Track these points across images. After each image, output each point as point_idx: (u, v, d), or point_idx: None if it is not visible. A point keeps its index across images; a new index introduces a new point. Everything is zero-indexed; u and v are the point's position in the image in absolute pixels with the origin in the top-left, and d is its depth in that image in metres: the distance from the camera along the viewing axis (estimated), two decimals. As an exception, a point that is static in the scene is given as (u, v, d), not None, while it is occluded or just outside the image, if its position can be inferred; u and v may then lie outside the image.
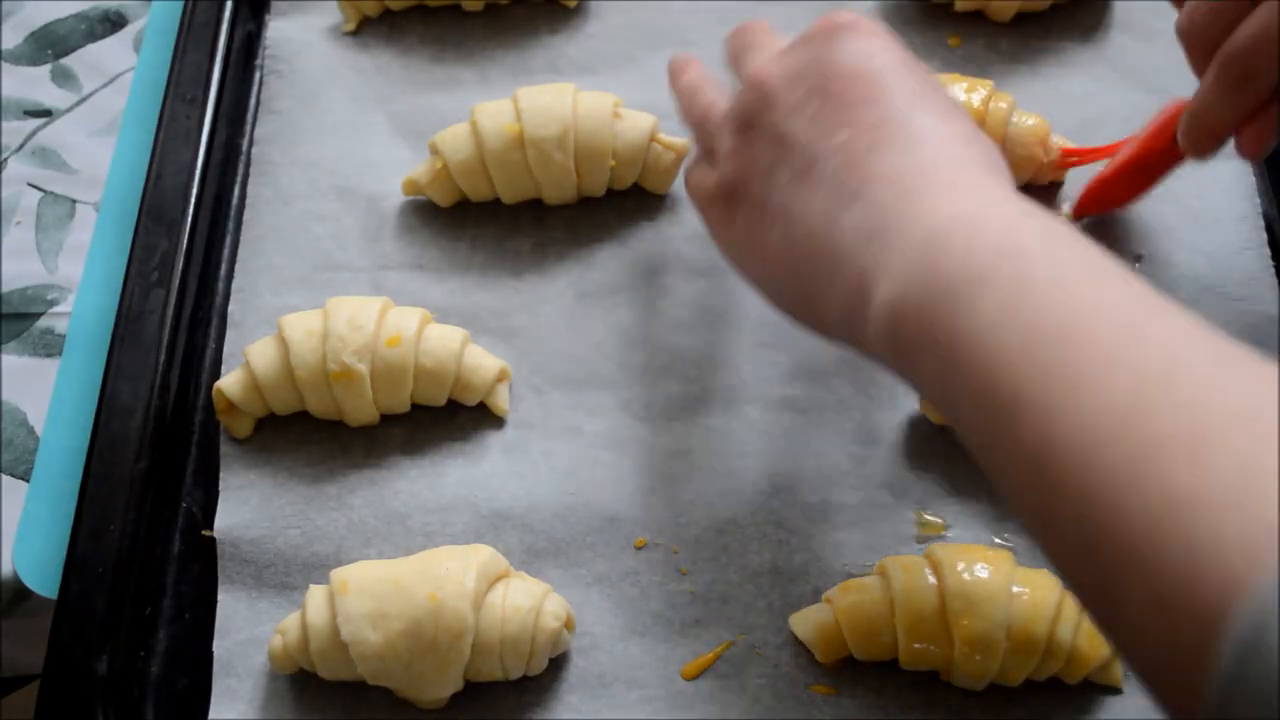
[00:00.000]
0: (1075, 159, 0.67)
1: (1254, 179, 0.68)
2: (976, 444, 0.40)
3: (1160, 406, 0.33)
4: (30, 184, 0.73)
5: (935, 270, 0.41)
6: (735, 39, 0.57)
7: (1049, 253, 0.40)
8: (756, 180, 0.50)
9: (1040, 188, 0.68)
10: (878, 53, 0.49)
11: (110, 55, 0.78)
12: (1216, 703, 0.29)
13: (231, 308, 0.65)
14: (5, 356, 0.67)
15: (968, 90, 0.66)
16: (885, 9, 0.75)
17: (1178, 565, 0.30)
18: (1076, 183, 0.67)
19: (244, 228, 0.68)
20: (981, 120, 0.65)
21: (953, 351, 0.39)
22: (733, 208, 0.52)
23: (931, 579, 0.54)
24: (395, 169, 0.69)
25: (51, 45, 0.79)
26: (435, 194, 0.67)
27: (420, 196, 0.68)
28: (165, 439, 0.61)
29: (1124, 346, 0.35)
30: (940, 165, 0.45)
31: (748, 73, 0.52)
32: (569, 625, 0.55)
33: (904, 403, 0.62)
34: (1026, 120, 0.66)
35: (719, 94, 0.56)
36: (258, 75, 0.74)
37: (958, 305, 0.39)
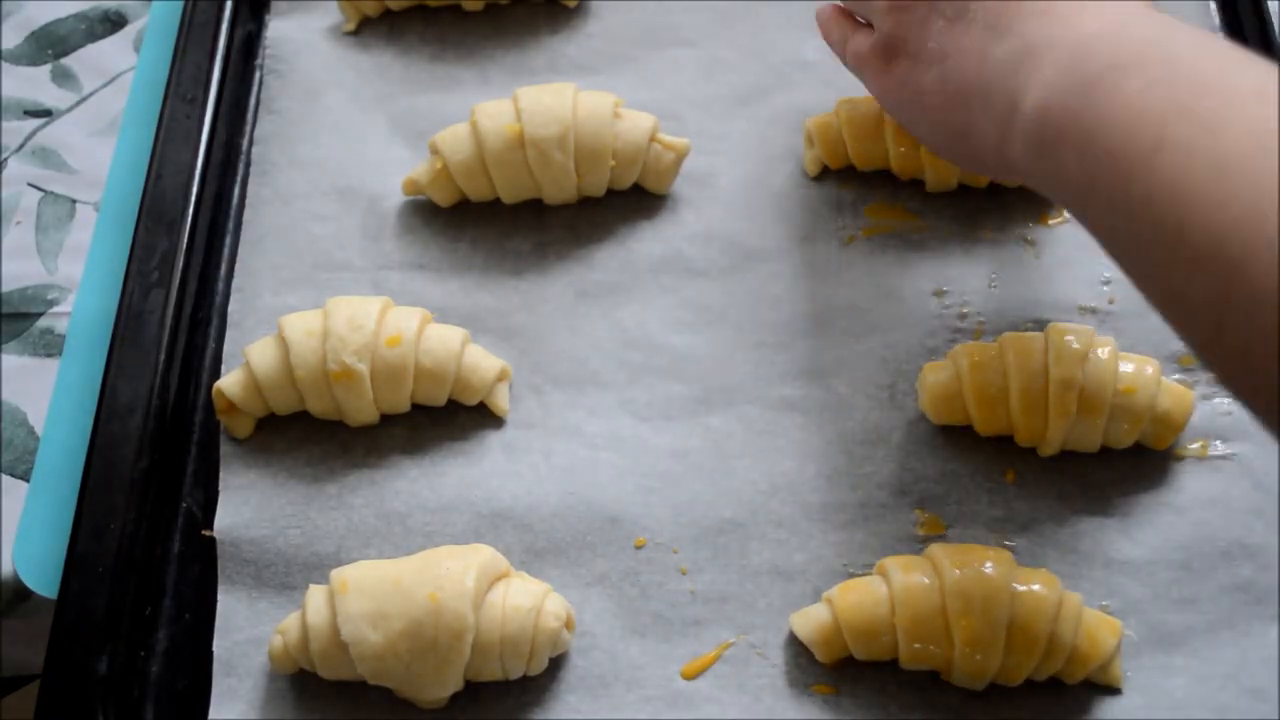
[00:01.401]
0: None
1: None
2: (1108, 235, 0.43)
3: None
4: (30, 184, 0.73)
5: (1084, 67, 0.44)
6: None
7: (1196, 44, 0.43)
8: (913, 30, 0.54)
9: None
10: None
11: (110, 55, 0.78)
12: None
13: (231, 308, 0.65)
14: (5, 356, 0.67)
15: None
16: (885, 9, 0.75)
17: None
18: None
19: (244, 228, 0.68)
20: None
21: (1095, 132, 0.42)
22: (891, 61, 0.56)
23: (931, 579, 0.54)
24: (395, 169, 0.69)
25: (51, 45, 0.79)
26: (435, 194, 0.67)
27: (420, 196, 0.68)
28: (165, 439, 0.61)
29: (1259, 103, 0.38)
30: None
31: None
32: (569, 625, 0.55)
33: (904, 402, 0.62)
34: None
35: None
36: (258, 75, 0.74)
37: (1103, 90, 0.43)
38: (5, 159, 0.74)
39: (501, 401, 0.62)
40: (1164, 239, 0.40)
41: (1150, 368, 0.59)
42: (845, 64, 0.61)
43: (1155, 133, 0.40)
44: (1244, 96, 0.39)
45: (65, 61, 0.78)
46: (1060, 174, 0.45)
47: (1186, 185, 0.39)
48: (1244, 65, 0.41)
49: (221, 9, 0.73)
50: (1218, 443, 0.60)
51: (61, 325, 0.68)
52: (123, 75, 0.77)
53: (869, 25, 0.59)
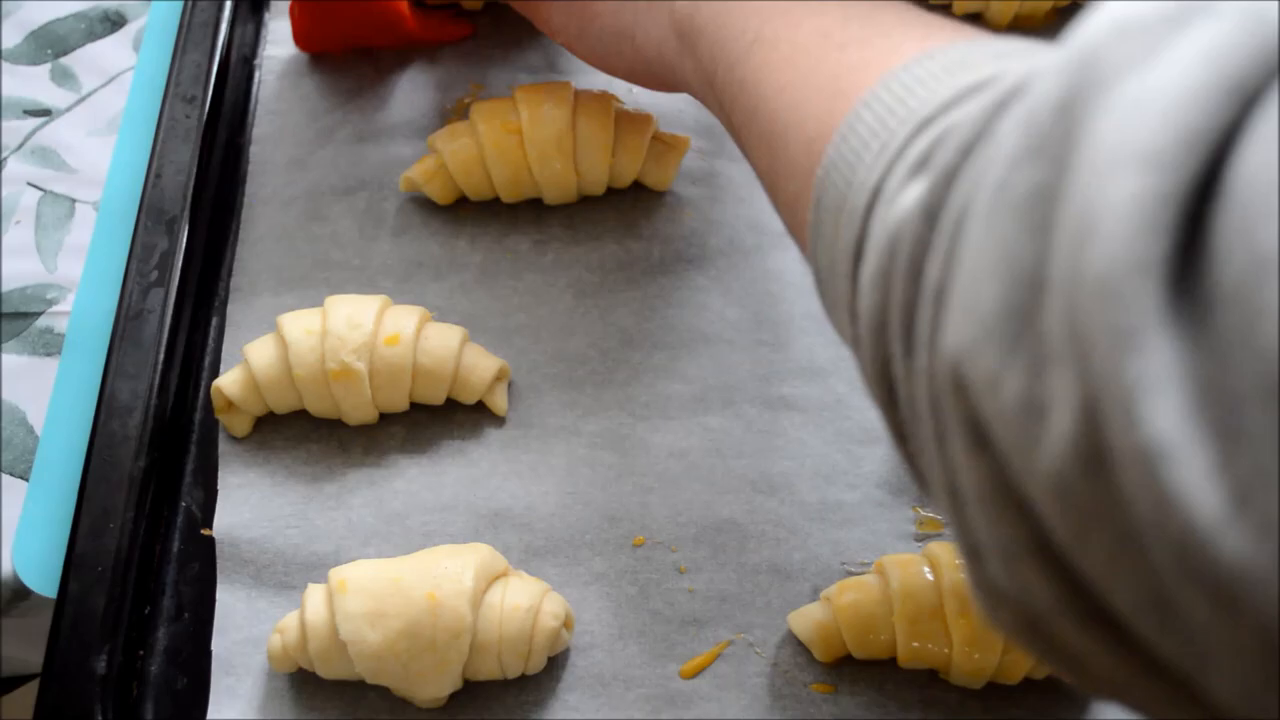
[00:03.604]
0: None
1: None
2: (727, 121, 0.50)
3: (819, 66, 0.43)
4: (30, 183, 0.73)
5: None
6: None
7: None
8: None
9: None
10: None
11: (110, 55, 0.78)
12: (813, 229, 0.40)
13: (231, 308, 0.65)
14: (5, 356, 0.67)
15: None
16: (884, 8, 0.75)
17: (822, 106, 0.41)
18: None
19: (243, 227, 0.68)
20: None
21: (717, 28, 0.49)
22: None
23: (930, 577, 0.54)
24: (394, 167, 0.69)
25: (51, 45, 0.79)
26: (434, 192, 0.67)
27: (419, 195, 0.68)
28: (164, 438, 0.61)
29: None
30: None
31: None
32: (568, 624, 0.55)
33: (903, 402, 0.62)
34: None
35: None
36: (257, 75, 0.74)
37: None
38: (5, 158, 0.74)
39: (500, 400, 0.62)
40: (748, 122, 0.47)
41: None
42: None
43: (756, 27, 0.47)
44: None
45: (65, 61, 0.78)
46: (698, 68, 0.51)
47: (765, 74, 0.46)
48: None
49: (221, 9, 0.73)
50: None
51: (61, 324, 0.68)
52: (122, 75, 0.77)
53: None
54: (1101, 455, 0.23)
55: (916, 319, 0.31)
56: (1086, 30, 0.26)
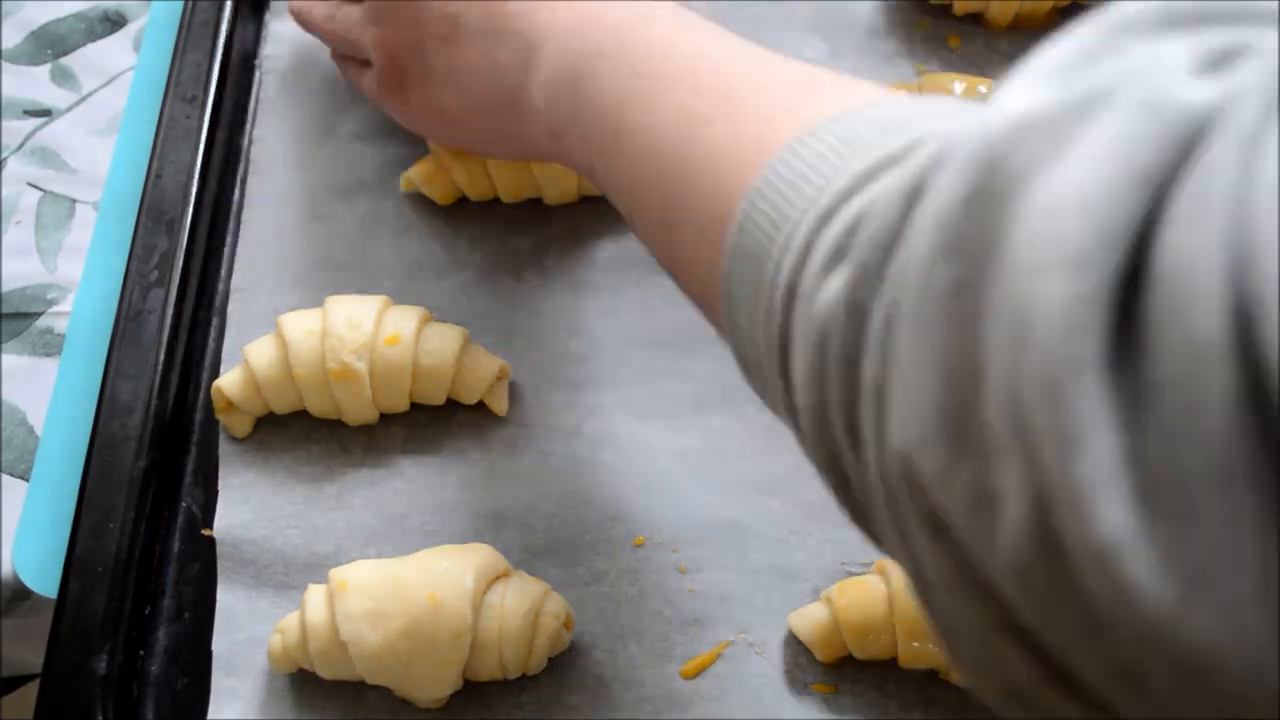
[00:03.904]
0: None
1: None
2: (617, 198, 0.48)
3: (705, 103, 0.43)
4: (30, 184, 0.73)
5: (570, 58, 0.49)
6: None
7: (646, 21, 0.48)
8: (412, 60, 0.55)
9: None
10: None
11: (110, 55, 0.78)
12: (725, 281, 0.39)
13: (231, 307, 0.65)
14: (5, 356, 0.67)
15: (967, 90, 0.66)
16: (885, 9, 0.75)
17: (706, 189, 0.41)
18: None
19: (244, 227, 0.68)
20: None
21: (582, 114, 0.48)
22: (404, 90, 0.57)
23: (930, 578, 0.54)
24: (394, 167, 0.69)
25: (51, 45, 0.78)
26: (434, 192, 0.67)
27: (419, 194, 0.68)
28: (165, 438, 0.61)
29: (690, 71, 0.45)
30: None
31: None
32: (568, 624, 0.55)
33: (903, 402, 0.62)
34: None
35: (334, 5, 0.62)
36: (257, 75, 0.74)
37: (585, 77, 0.47)
38: (5, 159, 0.74)
39: (501, 401, 0.62)
40: (636, 215, 0.47)
41: None
42: (363, 94, 0.64)
43: (615, 119, 0.46)
44: (683, 52, 0.46)
45: (65, 61, 0.78)
46: (573, 156, 0.50)
47: (641, 166, 0.45)
48: (690, 30, 0.48)
49: (221, 9, 0.73)
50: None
51: (61, 325, 0.68)
52: (122, 75, 0.77)
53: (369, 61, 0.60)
54: (1056, 546, 0.23)
55: (859, 417, 0.31)
56: (987, 124, 0.26)
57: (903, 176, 0.31)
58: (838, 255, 0.32)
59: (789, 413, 0.37)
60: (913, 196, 0.29)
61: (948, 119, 0.36)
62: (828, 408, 0.33)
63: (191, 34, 0.72)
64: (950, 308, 0.26)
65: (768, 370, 0.37)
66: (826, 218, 0.34)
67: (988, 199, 0.25)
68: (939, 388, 0.26)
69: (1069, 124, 0.24)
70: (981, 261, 0.25)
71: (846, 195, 0.34)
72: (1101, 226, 0.23)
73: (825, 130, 0.36)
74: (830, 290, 0.32)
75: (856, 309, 0.30)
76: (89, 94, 0.77)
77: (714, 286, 0.40)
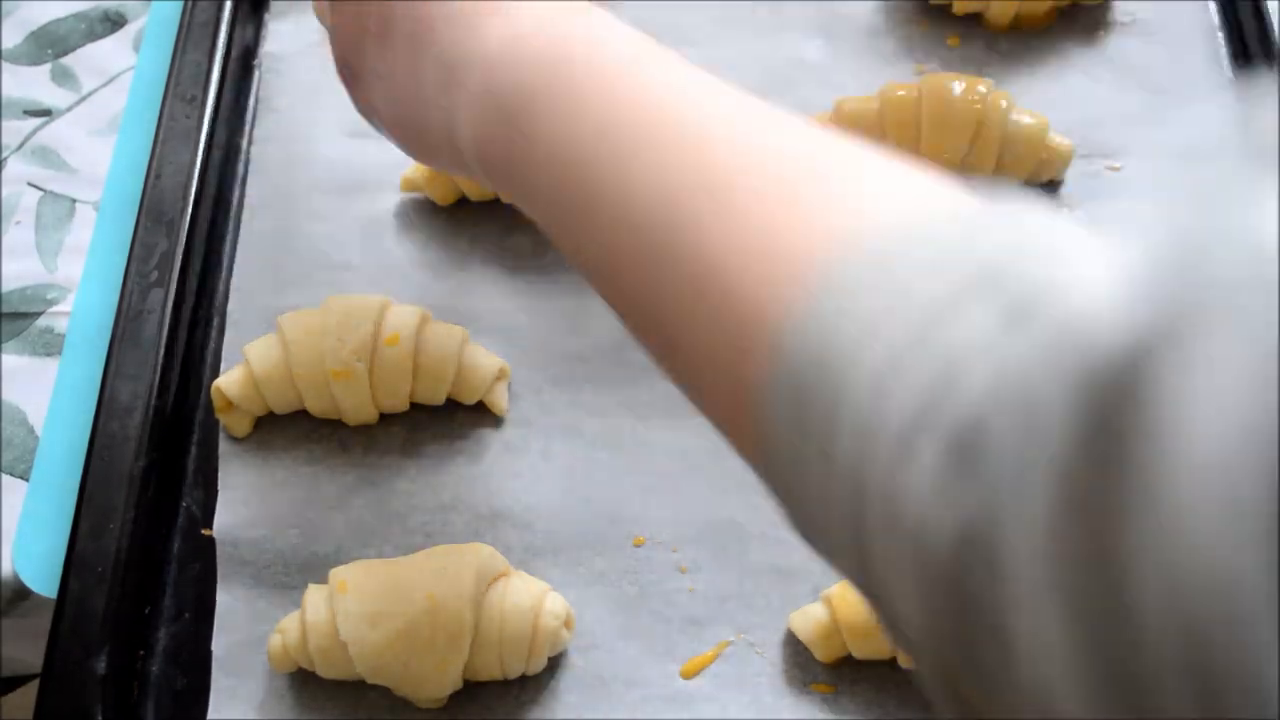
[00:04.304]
0: None
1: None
2: (571, 247, 0.42)
3: (695, 164, 0.37)
4: (30, 183, 0.73)
5: (496, 97, 0.42)
6: None
7: (591, 54, 0.42)
8: (353, 56, 0.50)
9: (1039, 185, 0.68)
10: None
11: (110, 55, 0.78)
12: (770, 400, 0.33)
13: (231, 307, 0.65)
14: (5, 356, 0.67)
15: (966, 89, 0.66)
16: (885, 9, 0.75)
17: (716, 292, 0.35)
18: (1077, 182, 0.67)
19: (243, 227, 0.68)
20: (980, 119, 0.65)
21: (530, 170, 0.42)
22: (351, 86, 0.52)
23: (930, 578, 0.54)
24: (394, 167, 0.69)
25: (51, 45, 0.78)
26: (434, 192, 0.67)
27: (419, 194, 0.68)
28: (165, 438, 0.61)
29: (664, 125, 0.39)
30: None
31: None
32: (568, 624, 0.55)
33: (903, 402, 0.62)
34: (1024, 119, 0.66)
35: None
36: (257, 74, 0.74)
37: (522, 127, 0.41)
38: (5, 158, 0.74)
39: (500, 400, 0.62)
40: (609, 227, 0.40)
41: None
42: None
43: (577, 162, 0.40)
44: (653, 95, 0.40)
45: (65, 61, 0.78)
46: (519, 203, 0.45)
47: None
48: (640, 66, 0.42)
49: (221, 9, 0.73)
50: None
51: (61, 325, 0.68)
52: (122, 75, 0.77)
53: None
54: None
55: (980, 657, 0.27)
56: (1082, 337, 0.24)
57: (988, 367, 0.27)
58: (919, 426, 0.28)
59: (860, 587, 0.33)
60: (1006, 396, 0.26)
61: (1003, 236, 0.31)
62: (943, 637, 0.29)
63: (191, 34, 0.72)
64: (1085, 570, 0.23)
65: (835, 535, 0.32)
66: (897, 366, 0.29)
67: (1109, 441, 0.22)
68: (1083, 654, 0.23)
69: (1186, 337, 0.21)
70: (1119, 524, 0.22)
71: (913, 345, 0.29)
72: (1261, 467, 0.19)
73: (874, 247, 0.32)
74: (942, 520, 0.27)
75: (971, 546, 0.26)
76: (89, 94, 0.77)
77: (735, 404, 0.36)
